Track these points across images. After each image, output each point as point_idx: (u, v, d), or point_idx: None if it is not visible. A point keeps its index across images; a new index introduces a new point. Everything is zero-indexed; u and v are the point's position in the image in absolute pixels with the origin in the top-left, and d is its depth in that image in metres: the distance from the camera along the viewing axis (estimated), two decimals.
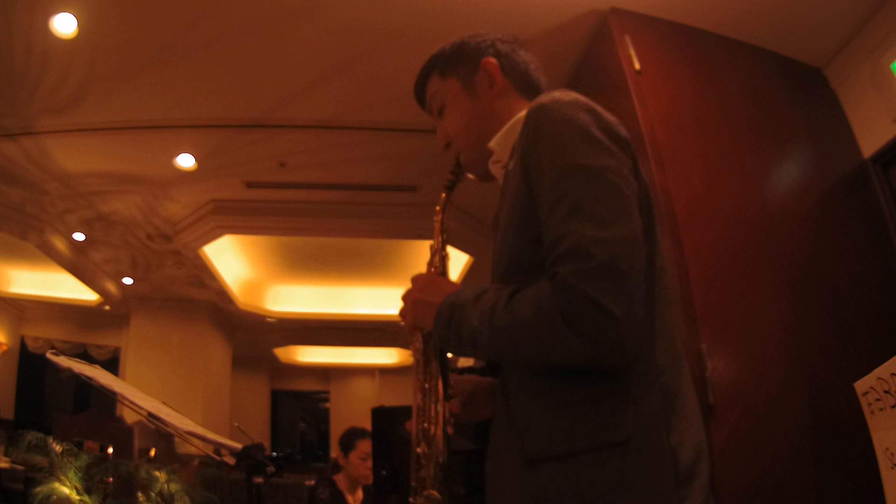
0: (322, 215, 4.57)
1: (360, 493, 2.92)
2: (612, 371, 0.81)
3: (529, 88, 1.11)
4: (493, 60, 1.08)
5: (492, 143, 1.05)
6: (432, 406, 0.96)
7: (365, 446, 2.89)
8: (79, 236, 5.18)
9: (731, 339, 1.81)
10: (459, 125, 1.10)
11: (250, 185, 4.19)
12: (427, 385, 0.98)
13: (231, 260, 6.04)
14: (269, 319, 7.16)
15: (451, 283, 0.98)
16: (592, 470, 0.79)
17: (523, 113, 0.98)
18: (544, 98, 0.92)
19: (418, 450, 0.94)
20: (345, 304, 7.02)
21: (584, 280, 0.74)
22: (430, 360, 0.99)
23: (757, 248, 1.99)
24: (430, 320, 0.92)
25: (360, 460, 2.87)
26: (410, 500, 0.92)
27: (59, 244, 5.26)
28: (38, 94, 3.12)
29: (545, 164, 0.85)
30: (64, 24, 2.59)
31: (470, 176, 1.14)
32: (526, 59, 1.13)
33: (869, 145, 2.39)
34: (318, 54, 2.81)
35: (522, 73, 1.11)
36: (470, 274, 5.30)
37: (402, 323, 1.00)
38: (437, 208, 1.10)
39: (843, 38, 2.46)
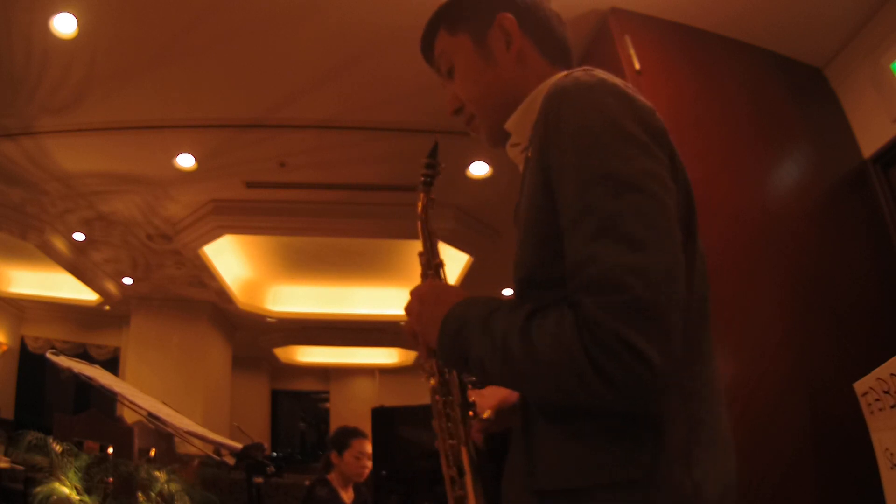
0: (322, 215, 4.57)
1: (351, 491, 2.93)
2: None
3: (554, 50, 0.94)
4: (509, 16, 0.91)
5: (508, 125, 0.91)
6: (458, 427, 0.88)
7: (360, 445, 2.91)
8: (79, 236, 5.18)
9: (731, 338, 1.81)
10: (473, 91, 0.94)
11: (250, 185, 4.19)
12: (448, 409, 0.90)
13: (231, 260, 6.04)
14: (269, 319, 7.16)
15: (457, 291, 0.85)
16: None
17: (544, 84, 0.86)
18: (565, 80, 0.76)
19: (449, 473, 0.87)
20: (345, 304, 7.02)
21: (615, 316, 0.60)
22: (446, 380, 0.90)
23: (757, 248, 1.99)
24: (433, 336, 0.80)
25: (355, 459, 2.89)
26: None
27: (59, 244, 5.26)
28: (38, 94, 3.12)
29: (567, 166, 0.70)
30: (64, 24, 2.59)
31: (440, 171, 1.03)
32: (549, 15, 0.95)
33: (869, 145, 2.39)
34: (318, 54, 2.81)
35: (546, 32, 0.94)
36: (470, 274, 5.30)
37: (412, 337, 0.90)
38: (419, 210, 0.98)
39: (843, 38, 2.46)
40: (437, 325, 0.79)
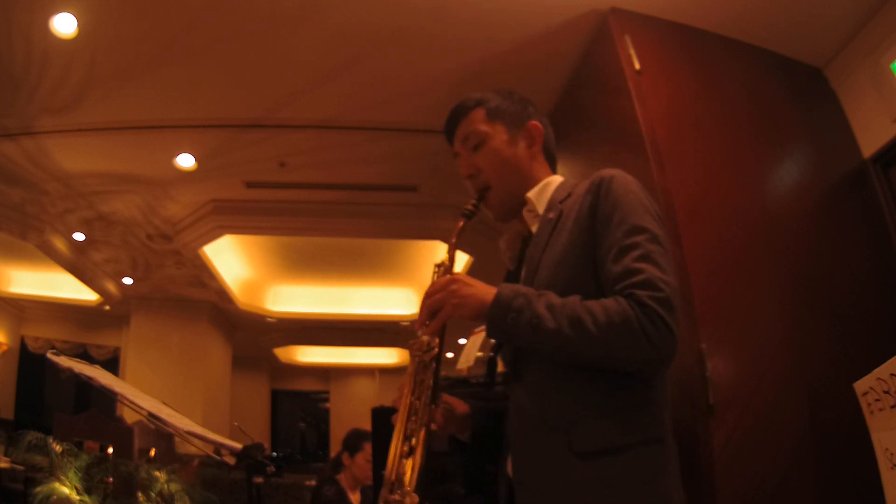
0: (322, 215, 4.57)
1: (359, 494, 2.94)
2: (647, 384, 1.06)
3: (551, 159, 1.34)
4: (539, 126, 1.29)
5: (530, 195, 1.24)
6: (420, 407, 1.08)
7: (371, 449, 2.92)
8: (79, 236, 5.18)
9: (731, 339, 1.81)
10: (497, 167, 1.26)
11: (250, 185, 4.19)
12: (419, 388, 1.10)
13: (231, 260, 6.04)
14: (269, 319, 7.17)
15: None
16: (644, 459, 1.01)
17: (556, 178, 1.28)
18: (612, 170, 1.16)
19: (402, 448, 1.06)
20: (345, 304, 7.02)
21: (657, 303, 0.98)
22: (429, 365, 1.11)
23: (757, 248, 1.99)
24: (477, 311, 1.06)
25: (367, 462, 2.91)
26: (384, 494, 1.02)
27: (59, 244, 5.26)
28: (38, 94, 3.12)
29: (616, 220, 1.08)
30: (64, 24, 2.59)
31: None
32: (553, 135, 1.34)
33: (869, 145, 2.38)
34: (318, 54, 2.81)
35: (551, 147, 1.34)
36: (469, 274, 5.29)
37: (424, 324, 1.11)
38: (455, 233, 1.24)
39: (843, 38, 2.46)
40: (480, 295, 1.06)
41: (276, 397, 10.43)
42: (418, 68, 2.85)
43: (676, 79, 2.24)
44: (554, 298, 1.03)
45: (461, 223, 1.26)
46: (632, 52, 2.21)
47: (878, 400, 1.21)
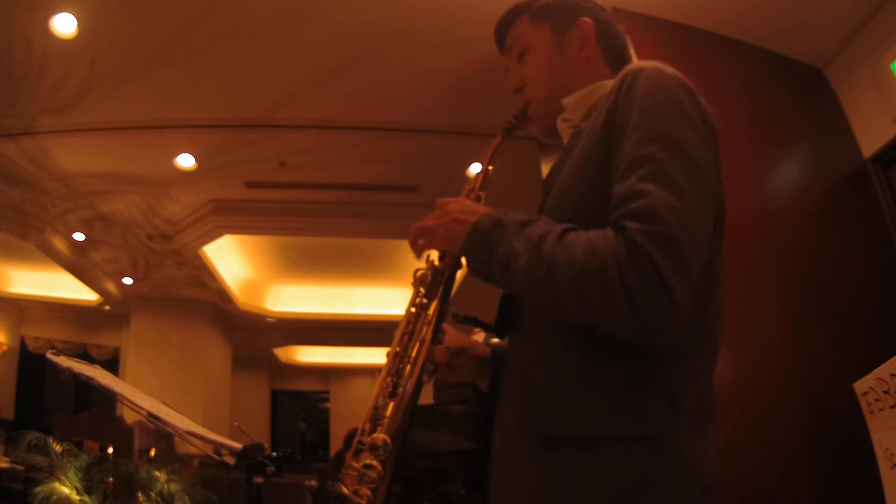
0: (322, 215, 4.57)
1: None
2: (653, 359, 0.76)
3: (618, 62, 1.08)
4: (589, 22, 1.05)
5: (566, 100, 1.02)
6: (416, 346, 0.88)
7: None
8: (79, 236, 5.18)
9: (731, 339, 1.80)
10: (542, 74, 1.06)
11: (250, 185, 4.19)
12: (417, 323, 0.90)
13: (231, 260, 6.04)
14: (269, 319, 7.16)
15: (489, 209, 0.88)
16: (618, 463, 0.73)
17: (608, 81, 0.97)
18: (645, 63, 0.87)
19: (384, 383, 0.88)
20: (345, 304, 7.02)
21: (653, 244, 0.69)
22: (433, 295, 0.90)
23: (757, 248, 1.99)
24: (461, 240, 0.84)
25: None
26: (359, 436, 0.84)
27: (59, 244, 5.26)
28: (38, 94, 3.12)
29: (632, 124, 0.80)
30: (64, 24, 2.59)
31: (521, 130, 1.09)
32: (620, 33, 1.11)
33: (869, 145, 2.38)
34: (318, 55, 2.81)
35: (614, 46, 1.09)
36: None
37: (418, 243, 0.90)
38: (493, 145, 1.05)
39: (843, 38, 2.46)
40: (466, 224, 0.84)
41: (276, 397, 10.42)
42: (418, 68, 2.85)
43: None
44: (540, 228, 0.78)
45: (498, 139, 1.06)
46: (632, 52, 2.20)
47: (877, 400, 1.21)
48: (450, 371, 1.02)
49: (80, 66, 2.91)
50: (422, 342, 0.88)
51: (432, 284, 0.92)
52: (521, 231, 0.79)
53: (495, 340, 1.05)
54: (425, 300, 0.92)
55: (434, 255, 0.94)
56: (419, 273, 0.94)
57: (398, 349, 0.90)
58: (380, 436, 0.80)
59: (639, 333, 0.70)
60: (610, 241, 0.71)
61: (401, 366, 0.89)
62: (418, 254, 0.92)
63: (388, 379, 0.88)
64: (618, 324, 0.71)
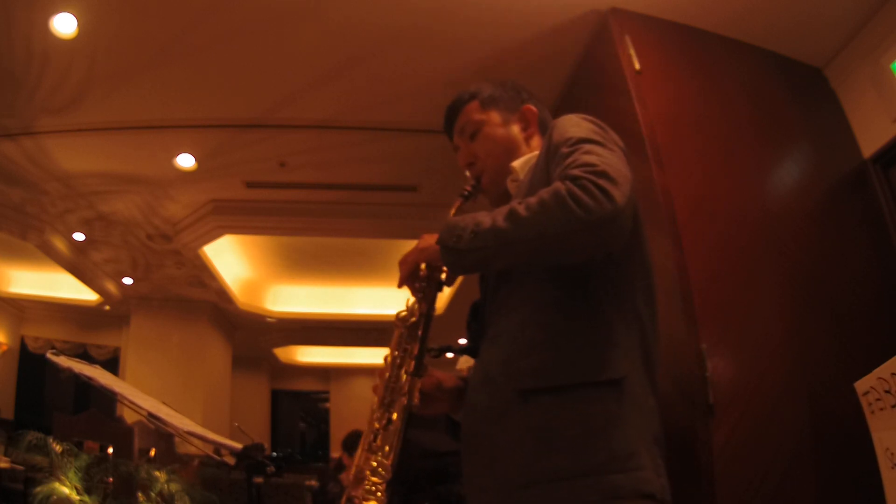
0: (322, 215, 4.57)
1: None
2: (607, 324, 0.97)
3: (545, 131, 1.30)
4: (533, 109, 1.31)
5: (515, 163, 1.24)
6: (404, 377, 1.04)
7: None
8: (79, 236, 5.18)
9: (731, 339, 1.81)
10: (492, 149, 1.28)
11: (250, 185, 4.18)
12: (402, 356, 1.08)
13: (231, 260, 6.04)
14: (269, 319, 7.16)
15: None
16: (591, 402, 0.91)
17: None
18: (564, 115, 1.14)
19: (377, 415, 1.03)
20: (345, 304, 7.02)
21: (589, 174, 0.91)
22: (414, 334, 1.08)
23: (757, 248, 1.99)
24: (433, 249, 1.05)
25: None
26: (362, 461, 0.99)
27: (59, 244, 5.26)
28: (38, 94, 3.12)
29: (562, 143, 1.03)
30: (64, 24, 2.59)
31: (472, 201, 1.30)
32: (549, 115, 1.35)
33: (869, 145, 2.38)
34: (318, 54, 2.81)
35: (545, 121, 1.32)
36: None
37: (402, 275, 1.12)
38: (452, 210, 1.23)
39: (843, 38, 2.46)
40: (433, 236, 1.06)
41: (276, 397, 10.42)
42: (418, 68, 2.84)
43: (676, 79, 2.24)
44: (497, 210, 0.99)
45: (458, 203, 1.26)
46: (632, 52, 2.21)
47: (878, 399, 1.21)
48: (427, 405, 1.17)
49: (80, 66, 2.91)
50: (407, 375, 1.06)
51: (405, 341, 1.10)
52: (485, 215, 0.99)
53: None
54: (407, 345, 1.10)
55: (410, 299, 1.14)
56: (395, 335, 1.12)
57: (388, 390, 1.07)
58: (377, 463, 0.97)
59: (596, 228, 0.89)
60: (556, 185, 0.93)
61: (391, 398, 1.05)
62: (403, 283, 1.13)
63: (383, 414, 1.04)
64: (577, 228, 0.89)
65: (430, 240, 1.07)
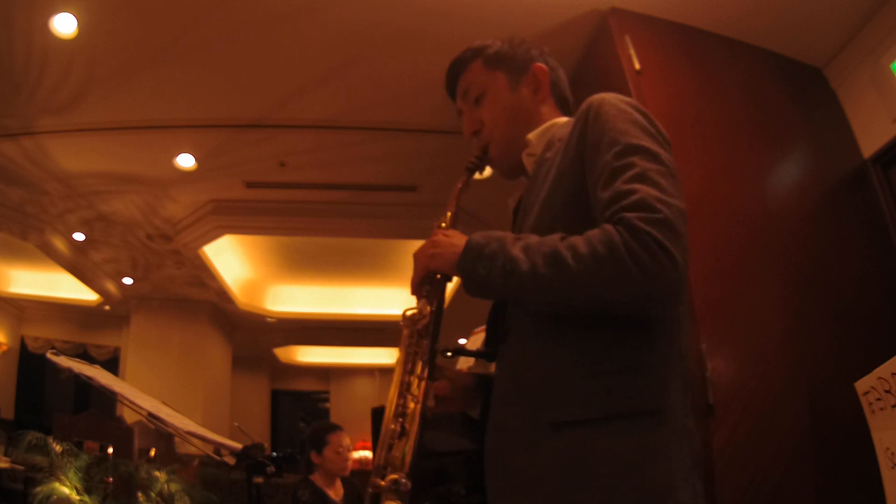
0: (322, 215, 4.57)
1: (339, 486, 2.91)
2: (646, 343, 0.86)
3: (564, 103, 1.19)
4: (544, 68, 1.16)
5: (530, 136, 1.10)
6: (416, 382, 0.94)
7: (338, 439, 2.89)
8: (79, 236, 5.18)
9: (731, 339, 1.81)
10: (500, 117, 1.14)
11: (250, 185, 4.19)
12: (413, 360, 0.96)
13: (231, 260, 6.04)
14: (269, 319, 7.16)
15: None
16: (631, 435, 0.82)
17: (561, 119, 1.11)
18: (603, 94, 0.98)
19: (391, 426, 0.91)
20: (345, 304, 7.02)
21: (650, 225, 0.79)
22: (424, 335, 0.97)
23: (757, 248, 1.99)
24: (449, 261, 0.93)
25: (336, 454, 2.87)
26: (373, 479, 0.86)
27: (59, 244, 5.26)
28: (38, 94, 3.12)
29: (606, 142, 0.90)
30: (64, 24, 2.59)
31: (480, 175, 1.17)
32: (563, 75, 1.22)
33: (869, 145, 2.38)
34: (319, 54, 2.81)
35: (562, 89, 1.20)
36: None
37: (420, 272, 0.99)
38: (458, 185, 1.13)
39: (843, 38, 2.46)
40: (455, 244, 0.93)
41: (276, 397, 10.42)
42: (418, 68, 2.84)
43: (676, 79, 2.24)
44: (532, 239, 0.87)
45: (462, 179, 1.13)
46: (632, 52, 2.21)
47: (879, 399, 1.21)
48: (440, 405, 1.07)
49: (80, 66, 2.91)
50: (420, 381, 0.94)
51: (414, 344, 0.98)
52: (517, 242, 0.87)
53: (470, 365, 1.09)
54: (417, 344, 0.97)
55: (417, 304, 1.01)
56: (403, 340, 0.99)
57: (401, 396, 0.95)
58: (400, 479, 0.84)
59: (658, 300, 0.82)
60: (609, 231, 0.81)
61: (405, 405, 0.94)
62: (416, 291, 1.00)
63: (396, 423, 0.92)
64: (637, 295, 0.80)
65: (446, 244, 0.95)
